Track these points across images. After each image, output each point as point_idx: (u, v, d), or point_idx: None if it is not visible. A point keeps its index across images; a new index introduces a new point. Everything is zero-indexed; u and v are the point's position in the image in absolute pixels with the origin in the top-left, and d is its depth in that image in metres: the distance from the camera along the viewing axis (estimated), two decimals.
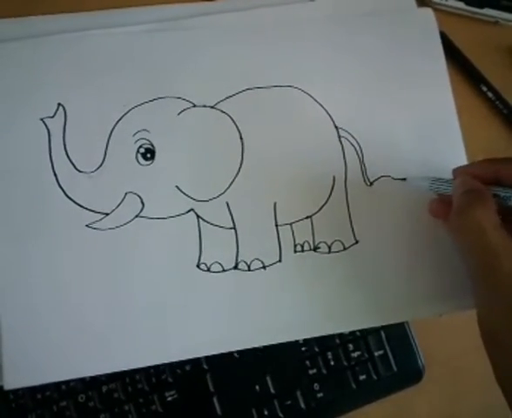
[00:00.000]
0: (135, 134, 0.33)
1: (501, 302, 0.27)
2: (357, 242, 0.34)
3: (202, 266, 0.33)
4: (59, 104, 0.33)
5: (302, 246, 0.34)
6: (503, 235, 0.27)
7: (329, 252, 0.34)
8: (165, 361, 0.32)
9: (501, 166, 0.30)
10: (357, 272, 0.34)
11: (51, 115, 0.33)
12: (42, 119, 0.33)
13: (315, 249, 0.34)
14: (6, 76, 0.33)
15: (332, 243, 0.34)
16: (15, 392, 0.33)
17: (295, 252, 0.34)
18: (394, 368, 0.36)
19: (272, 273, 0.33)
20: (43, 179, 0.32)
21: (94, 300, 0.32)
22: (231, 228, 0.33)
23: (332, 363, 0.36)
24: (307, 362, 0.36)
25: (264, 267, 0.33)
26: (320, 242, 0.34)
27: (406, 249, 0.34)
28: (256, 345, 0.32)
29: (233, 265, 0.33)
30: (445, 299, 0.34)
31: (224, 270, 0.33)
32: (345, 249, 0.34)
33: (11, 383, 0.30)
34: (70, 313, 0.31)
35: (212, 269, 0.33)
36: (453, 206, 0.30)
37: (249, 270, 0.33)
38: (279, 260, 0.33)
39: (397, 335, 0.37)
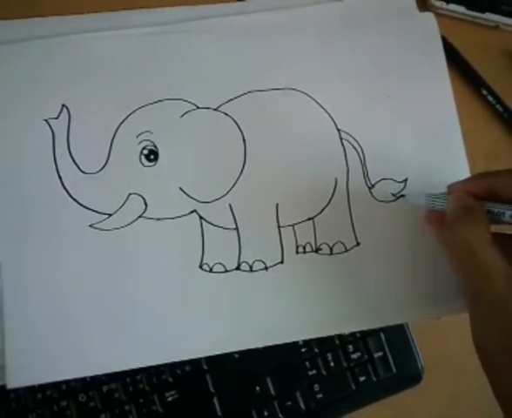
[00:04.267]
0: (138, 135, 0.33)
1: (493, 323, 0.26)
2: (358, 244, 0.34)
3: (204, 267, 0.33)
4: (63, 106, 0.33)
5: (304, 248, 0.34)
6: (493, 254, 0.26)
7: (331, 253, 0.34)
8: (167, 361, 0.32)
9: (494, 180, 0.30)
10: (358, 273, 0.34)
11: (55, 116, 0.33)
12: (46, 120, 0.33)
13: (317, 250, 0.34)
14: (10, 77, 0.33)
15: (333, 245, 0.34)
16: (15, 391, 0.33)
17: (297, 253, 0.34)
18: (394, 370, 0.36)
19: (273, 274, 0.33)
20: (46, 180, 0.32)
21: (97, 299, 0.32)
22: (233, 229, 0.33)
23: (331, 364, 0.36)
24: (307, 363, 0.36)
25: (266, 268, 0.33)
26: (322, 244, 0.34)
27: (407, 251, 0.34)
28: (257, 346, 0.32)
29: (235, 266, 0.33)
30: (445, 301, 0.34)
31: (226, 271, 0.33)
32: (346, 251, 0.34)
33: (14, 382, 0.30)
34: (73, 313, 0.31)
35: (214, 270, 0.33)
36: (445, 221, 0.29)
37: (251, 271, 0.33)
38: (281, 262, 0.33)
39: (396, 337, 0.37)
